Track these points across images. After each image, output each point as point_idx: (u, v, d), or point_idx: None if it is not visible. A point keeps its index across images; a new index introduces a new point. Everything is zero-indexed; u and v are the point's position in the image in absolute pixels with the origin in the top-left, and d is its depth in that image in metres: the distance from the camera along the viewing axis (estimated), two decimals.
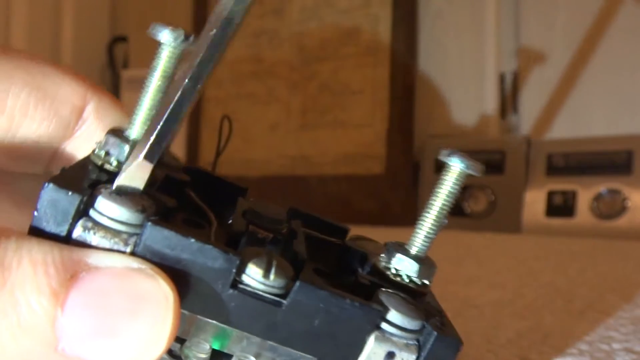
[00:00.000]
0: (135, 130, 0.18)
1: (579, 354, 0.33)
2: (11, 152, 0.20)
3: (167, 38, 0.18)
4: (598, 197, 1.03)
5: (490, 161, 1.12)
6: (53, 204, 0.15)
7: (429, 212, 0.19)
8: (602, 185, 1.03)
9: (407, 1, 1.23)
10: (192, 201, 0.20)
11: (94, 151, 0.18)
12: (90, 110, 0.22)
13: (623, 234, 0.98)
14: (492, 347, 0.35)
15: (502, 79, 1.18)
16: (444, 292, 0.49)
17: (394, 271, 0.19)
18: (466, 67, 1.21)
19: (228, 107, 1.43)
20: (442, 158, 0.19)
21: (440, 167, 0.20)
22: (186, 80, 0.16)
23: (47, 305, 0.14)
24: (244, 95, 1.42)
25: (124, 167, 0.17)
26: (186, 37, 0.18)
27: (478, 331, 0.38)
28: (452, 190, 0.19)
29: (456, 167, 0.19)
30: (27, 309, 0.14)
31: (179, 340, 0.18)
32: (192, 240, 0.16)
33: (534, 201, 1.08)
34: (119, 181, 0.16)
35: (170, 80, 0.18)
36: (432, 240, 0.20)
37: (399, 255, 0.19)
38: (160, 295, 0.15)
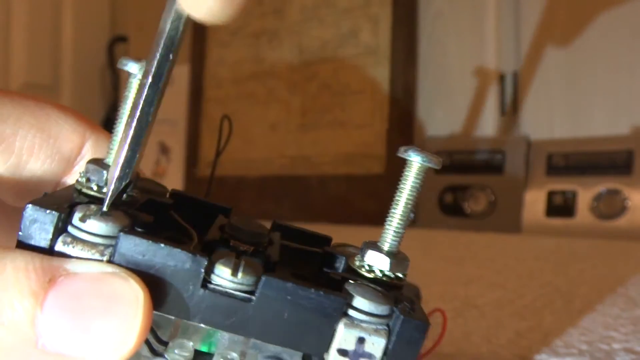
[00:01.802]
0: (112, 157, 0.20)
1: (579, 354, 0.33)
2: (18, 188, 0.23)
3: (134, 70, 0.20)
4: (598, 197, 1.03)
5: (490, 161, 1.12)
6: (34, 222, 0.17)
7: (395, 208, 0.20)
8: (602, 185, 1.03)
9: (407, 1, 1.23)
10: (174, 221, 0.22)
11: (77, 180, 0.20)
12: (88, 146, 0.24)
13: (623, 234, 0.98)
14: (492, 347, 0.35)
15: (502, 79, 1.18)
16: (444, 292, 0.49)
17: (367, 268, 0.20)
18: (466, 67, 1.21)
19: (228, 107, 1.43)
20: (401, 154, 0.20)
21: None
22: (140, 104, 0.18)
23: (28, 305, 0.16)
24: (244, 95, 1.42)
25: (107, 191, 0.19)
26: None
27: (478, 331, 0.38)
28: (414, 184, 0.20)
29: (415, 161, 0.20)
30: (9, 309, 0.16)
31: (164, 342, 0.19)
32: (161, 245, 0.17)
33: (534, 201, 1.08)
34: (108, 202, 0.18)
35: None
36: (401, 235, 0.20)
37: (370, 252, 0.20)
38: (131, 295, 0.16)
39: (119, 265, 0.17)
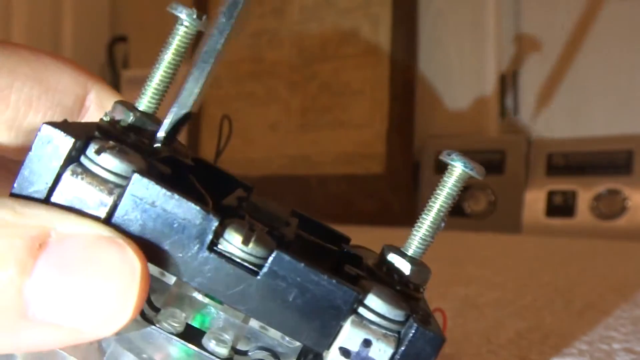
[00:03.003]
0: (144, 102, 0.19)
1: (579, 354, 0.33)
2: (18, 143, 0.21)
3: (184, 15, 0.19)
4: (598, 197, 1.03)
5: (490, 161, 1.12)
6: (47, 142, 0.16)
7: (427, 214, 0.19)
8: (602, 185, 1.03)
9: (407, 1, 1.23)
10: (191, 184, 0.20)
11: (101, 118, 0.19)
12: (91, 98, 0.23)
13: (623, 234, 0.98)
14: (492, 347, 0.35)
15: (502, 79, 1.18)
16: (444, 292, 0.49)
17: (386, 270, 0.19)
18: (466, 67, 1.21)
19: (228, 107, 1.43)
20: (444, 158, 0.19)
21: (440, 168, 0.20)
22: (212, 33, 0.17)
23: (14, 275, 0.15)
24: (244, 95, 1.42)
25: (165, 117, 0.18)
26: (199, 17, 0.19)
27: (478, 331, 0.38)
28: (451, 192, 0.19)
29: (458, 168, 0.19)
30: None
31: (156, 309, 0.18)
32: (174, 194, 0.16)
33: (534, 201, 1.08)
34: (165, 128, 0.18)
35: (182, 57, 0.19)
36: (429, 244, 0.19)
37: (392, 255, 0.19)
38: (127, 266, 0.15)
39: (125, 210, 0.16)
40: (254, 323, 0.18)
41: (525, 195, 1.09)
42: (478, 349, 0.34)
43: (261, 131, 1.38)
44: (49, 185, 0.16)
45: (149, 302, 0.18)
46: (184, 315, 0.18)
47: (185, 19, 0.19)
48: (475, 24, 1.19)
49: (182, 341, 0.18)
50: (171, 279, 0.18)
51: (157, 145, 0.19)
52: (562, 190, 1.06)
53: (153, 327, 0.18)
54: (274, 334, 0.18)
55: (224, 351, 0.18)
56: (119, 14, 1.74)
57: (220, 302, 0.18)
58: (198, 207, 0.16)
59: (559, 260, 0.75)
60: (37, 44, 1.61)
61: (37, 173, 0.16)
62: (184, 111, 0.18)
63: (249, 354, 0.19)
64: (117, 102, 0.19)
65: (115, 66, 1.71)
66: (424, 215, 0.19)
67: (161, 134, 0.18)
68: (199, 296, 0.18)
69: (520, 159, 1.10)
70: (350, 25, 1.29)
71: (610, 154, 1.04)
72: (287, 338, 0.18)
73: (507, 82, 1.18)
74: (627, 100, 1.06)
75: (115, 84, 1.70)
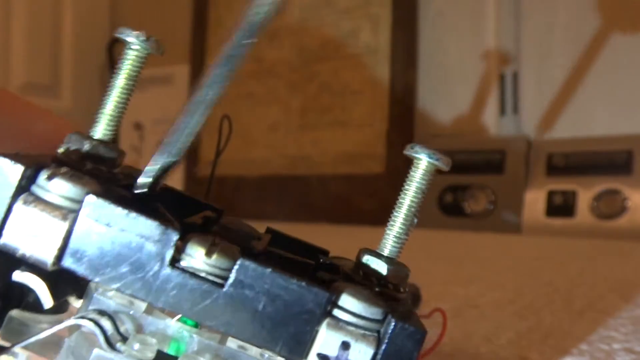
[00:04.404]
0: (99, 130, 0.19)
1: (579, 354, 0.33)
2: None
3: (133, 39, 0.19)
4: (598, 197, 1.03)
5: (490, 161, 1.12)
6: (1, 173, 0.16)
7: (398, 212, 0.18)
8: (602, 185, 1.03)
9: (407, 1, 1.23)
10: (154, 210, 0.20)
11: (56, 151, 0.19)
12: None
13: (623, 234, 0.98)
14: (492, 347, 0.35)
15: (502, 79, 1.18)
16: (444, 292, 0.49)
17: (362, 274, 0.18)
18: (466, 67, 1.21)
19: (228, 107, 1.42)
20: (408, 152, 0.19)
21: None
22: (210, 83, 0.17)
23: None
24: (244, 95, 1.42)
25: (153, 163, 0.17)
26: (147, 40, 0.19)
27: (478, 331, 0.38)
28: (420, 185, 0.18)
29: (423, 160, 0.18)
30: None
31: (124, 337, 0.17)
32: (130, 212, 0.16)
33: (534, 201, 1.08)
34: (149, 181, 0.17)
35: (134, 80, 0.19)
36: (403, 241, 0.19)
37: (367, 257, 0.18)
38: None
39: (82, 232, 0.15)
40: (231, 344, 0.17)
41: (525, 195, 1.09)
42: (478, 349, 0.34)
43: (261, 131, 1.38)
44: (1, 216, 0.16)
45: (116, 329, 0.17)
46: (154, 341, 0.17)
47: (134, 43, 0.19)
48: (475, 24, 1.19)
49: None
50: (142, 306, 0.17)
51: (114, 171, 0.18)
52: (562, 190, 1.06)
53: (119, 355, 0.17)
54: (254, 353, 0.17)
55: None
56: (119, 14, 1.73)
57: (195, 325, 0.17)
58: (156, 222, 0.16)
59: (559, 260, 0.75)
60: (37, 44, 1.61)
61: None
62: (172, 160, 0.18)
63: None
64: (72, 133, 0.19)
65: (115, 66, 1.71)
66: (395, 213, 0.19)
67: (145, 180, 0.18)
68: (170, 321, 0.17)
69: (520, 159, 1.10)
70: (350, 25, 1.29)
71: (610, 154, 1.04)
72: (266, 355, 0.17)
73: (507, 82, 1.18)
74: (627, 100, 1.06)
75: None
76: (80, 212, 0.16)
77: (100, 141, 0.19)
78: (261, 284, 0.16)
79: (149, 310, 0.17)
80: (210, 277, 0.16)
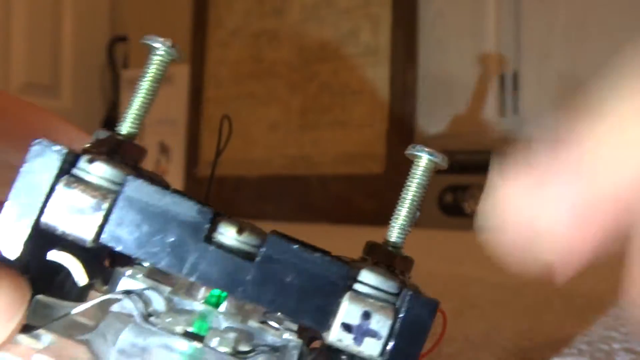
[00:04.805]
0: (125, 126, 0.20)
1: (579, 354, 0.33)
2: None
3: (159, 45, 0.20)
4: None
5: (491, 161, 1.12)
6: (39, 155, 0.17)
7: (401, 206, 0.20)
8: None
9: (407, 1, 1.23)
10: (180, 192, 0.21)
11: (85, 146, 0.20)
12: None
13: None
14: (492, 347, 0.35)
15: (502, 79, 1.18)
16: (444, 292, 0.49)
17: (370, 261, 0.20)
18: (466, 67, 1.21)
19: (228, 107, 1.43)
20: (410, 152, 0.20)
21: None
22: None
23: None
24: (244, 95, 1.42)
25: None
26: (172, 46, 0.20)
27: (478, 331, 0.38)
28: (420, 182, 0.20)
29: (424, 158, 0.20)
30: None
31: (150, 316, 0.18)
32: (169, 192, 0.17)
33: None
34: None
35: (159, 83, 0.21)
36: (407, 233, 0.20)
37: (373, 246, 0.20)
38: None
39: (121, 212, 0.17)
40: (252, 322, 0.19)
41: None
42: (478, 349, 0.34)
43: (261, 131, 1.38)
44: (43, 197, 0.17)
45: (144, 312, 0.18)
46: (183, 319, 0.18)
47: (160, 49, 0.20)
48: (475, 24, 1.19)
49: (186, 338, 0.18)
50: (166, 289, 0.18)
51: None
52: None
53: (154, 328, 0.18)
54: (273, 333, 0.19)
55: (226, 349, 0.18)
56: (119, 14, 1.73)
57: (216, 305, 0.18)
58: (193, 201, 0.17)
59: None
60: (37, 44, 1.61)
61: (30, 186, 0.17)
62: None
63: (250, 355, 0.19)
64: (98, 130, 0.20)
65: (115, 66, 1.71)
66: (399, 207, 0.20)
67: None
68: (194, 303, 0.18)
69: None
70: (350, 25, 1.29)
71: None
72: (286, 335, 0.18)
73: (507, 82, 1.18)
74: None
75: (115, 84, 1.70)
76: (122, 192, 0.17)
77: (126, 137, 0.20)
78: (289, 259, 0.17)
79: (173, 292, 0.18)
80: (242, 253, 0.17)
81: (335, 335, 0.17)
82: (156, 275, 0.19)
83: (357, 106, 1.26)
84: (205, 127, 1.48)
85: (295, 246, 0.17)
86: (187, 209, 0.17)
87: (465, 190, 1.14)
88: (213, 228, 0.17)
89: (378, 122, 1.23)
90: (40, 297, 0.18)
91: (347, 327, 0.17)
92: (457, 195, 1.14)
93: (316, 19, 1.33)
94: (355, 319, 0.17)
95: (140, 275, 0.18)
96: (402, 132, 1.21)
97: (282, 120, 1.37)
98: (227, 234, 0.17)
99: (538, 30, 1.14)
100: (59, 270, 0.18)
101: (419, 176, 0.20)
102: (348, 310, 0.17)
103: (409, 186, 0.20)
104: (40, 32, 1.58)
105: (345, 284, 0.17)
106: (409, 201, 0.20)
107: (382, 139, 1.22)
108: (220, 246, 0.17)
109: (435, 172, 0.21)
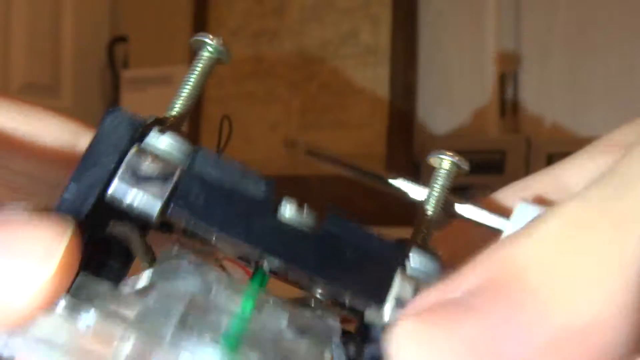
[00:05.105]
0: (174, 113, 0.21)
1: None
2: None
3: (208, 40, 0.21)
4: None
5: (490, 161, 1.12)
6: (115, 119, 0.17)
7: (428, 204, 0.21)
8: None
9: (407, 1, 1.23)
10: None
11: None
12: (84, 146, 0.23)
13: None
14: None
15: (502, 79, 1.18)
16: None
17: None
18: (466, 67, 1.21)
19: (228, 107, 1.43)
20: (433, 156, 0.22)
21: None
22: None
23: None
24: (244, 95, 1.42)
25: None
26: (222, 46, 0.21)
27: None
28: (444, 183, 0.22)
29: (447, 161, 0.22)
30: None
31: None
32: (238, 165, 0.18)
33: None
34: None
35: (206, 78, 0.21)
36: (433, 230, 0.21)
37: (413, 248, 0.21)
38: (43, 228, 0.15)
39: (190, 183, 0.17)
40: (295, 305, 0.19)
41: None
42: None
43: (261, 131, 1.38)
44: (114, 164, 0.17)
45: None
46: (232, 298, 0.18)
47: (210, 45, 0.21)
48: (475, 24, 1.19)
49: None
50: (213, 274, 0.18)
51: None
52: None
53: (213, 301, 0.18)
54: (315, 315, 0.19)
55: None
56: (119, 14, 1.73)
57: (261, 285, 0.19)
58: (261, 176, 0.18)
59: None
60: (37, 44, 1.61)
61: (102, 153, 0.17)
62: None
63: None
64: (151, 116, 0.20)
65: (115, 66, 1.71)
66: (424, 209, 0.21)
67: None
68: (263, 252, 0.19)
69: (520, 159, 1.10)
70: (350, 25, 1.29)
71: None
72: (327, 319, 0.19)
73: (507, 82, 1.18)
74: (627, 100, 1.06)
75: (115, 84, 1.70)
76: (193, 164, 0.17)
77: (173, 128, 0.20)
78: (347, 235, 0.18)
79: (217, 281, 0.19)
80: (302, 227, 0.18)
81: (389, 311, 0.18)
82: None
83: (357, 106, 1.26)
84: (205, 127, 1.48)
85: (355, 224, 0.18)
86: (254, 182, 0.18)
87: (466, 190, 1.13)
88: (277, 202, 0.18)
89: (378, 122, 1.23)
90: (84, 276, 0.17)
91: (400, 302, 0.18)
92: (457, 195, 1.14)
93: (316, 19, 1.33)
94: (408, 294, 0.18)
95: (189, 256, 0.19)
96: (402, 132, 1.21)
97: (282, 120, 1.37)
98: (289, 210, 0.18)
99: (538, 30, 1.14)
100: (105, 252, 0.18)
101: (443, 177, 0.22)
102: (401, 286, 0.18)
103: (435, 186, 0.21)
104: (40, 32, 1.58)
105: (398, 261, 0.18)
106: (435, 200, 0.21)
107: (382, 139, 1.22)
108: (283, 220, 0.18)
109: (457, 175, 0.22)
